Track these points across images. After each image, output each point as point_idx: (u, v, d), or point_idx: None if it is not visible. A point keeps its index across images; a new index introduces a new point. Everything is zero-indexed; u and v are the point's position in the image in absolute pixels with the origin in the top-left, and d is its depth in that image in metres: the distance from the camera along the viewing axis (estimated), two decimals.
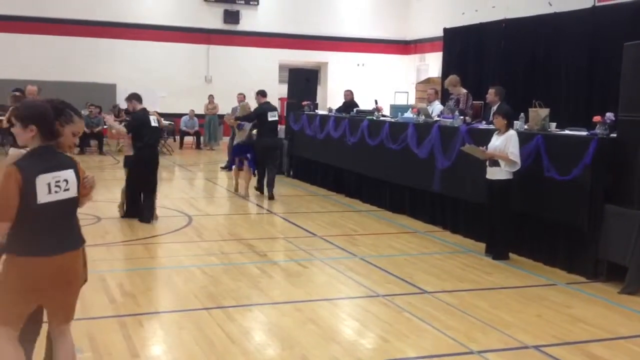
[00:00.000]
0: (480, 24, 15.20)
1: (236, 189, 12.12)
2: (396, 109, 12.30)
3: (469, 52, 14.86)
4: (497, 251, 7.67)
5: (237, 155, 12.00)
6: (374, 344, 5.06)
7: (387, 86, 23.63)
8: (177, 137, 20.25)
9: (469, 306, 5.95)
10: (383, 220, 9.94)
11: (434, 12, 22.25)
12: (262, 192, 11.73)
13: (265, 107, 11.49)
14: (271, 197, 11.34)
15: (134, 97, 9.33)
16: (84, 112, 17.87)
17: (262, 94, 11.70)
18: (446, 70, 15.27)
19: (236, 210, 10.87)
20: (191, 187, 13.42)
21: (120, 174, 15.00)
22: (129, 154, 9.25)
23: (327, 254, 7.84)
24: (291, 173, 14.42)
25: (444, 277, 6.95)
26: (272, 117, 11.45)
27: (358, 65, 24.34)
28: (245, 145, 11.70)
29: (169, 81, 21.58)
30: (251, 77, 21.47)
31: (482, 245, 8.07)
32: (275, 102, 22.01)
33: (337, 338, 5.16)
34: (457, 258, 7.77)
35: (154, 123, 9.20)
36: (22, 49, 20.27)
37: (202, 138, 20.55)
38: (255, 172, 11.88)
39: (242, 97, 14.78)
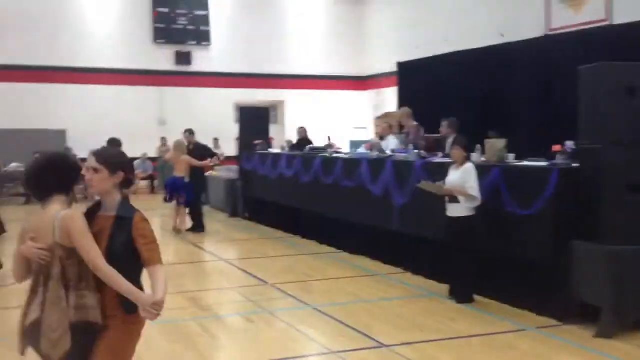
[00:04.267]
0: (434, 56, 15.02)
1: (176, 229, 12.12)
2: (355, 144, 11.86)
3: (424, 85, 14.64)
4: (460, 294, 7.13)
5: (173, 191, 12.06)
6: None
7: (346, 122, 23.27)
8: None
9: None
10: (341, 263, 9.34)
11: (389, 47, 22.04)
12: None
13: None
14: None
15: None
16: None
17: (192, 132, 12.91)
18: (402, 105, 14.99)
19: (185, 258, 10.14)
20: None
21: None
22: None
23: (278, 304, 7.22)
24: (246, 215, 13.79)
25: (404, 326, 6.36)
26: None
27: (315, 102, 23.99)
28: (179, 180, 11.95)
29: (120, 125, 20.79)
30: (207, 117, 20.93)
31: (445, 288, 7.52)
32: (231, 143, 21.51)
33: None
34: (419, 303, 7.21)
35: None
36: None
37: (155, 182, 19.84)
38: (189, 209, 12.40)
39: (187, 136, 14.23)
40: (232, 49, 22.84)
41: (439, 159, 8.51)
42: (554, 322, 6.38)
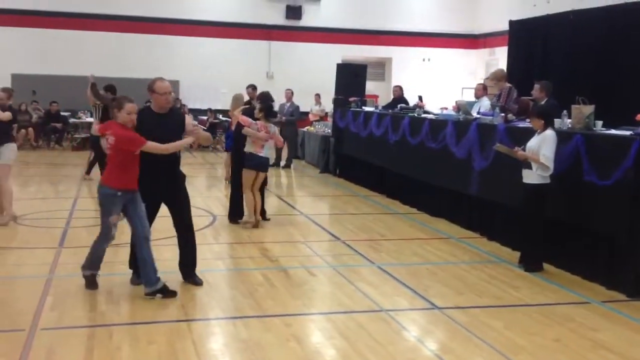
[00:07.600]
0: (547, 15, 14.21)
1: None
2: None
3: (536, 45, 13.93)
4: (528, 262, 6.93)
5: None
6: None
7: (454, 82, 22.72)
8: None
9: (480, 326, 5.30)
10: (417, 225, 9.28)
11: (504, 4, 21.17)
12: None
13: None
14: None
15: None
16: None
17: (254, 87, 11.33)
18: (512, 65, 14.38)
19: (268, 210, 10.35)
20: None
21: None
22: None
23: (343, 260, 7.32)
24: (337, 172, 13.92)
25: (462, 290, 6.28)
26: None
27: (424, 60, 23.54)
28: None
29: (229, 77, 21.44)
30: (313, 73, 21.12)
31: (517, 255, 7.32)
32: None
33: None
34: (486, 269, 7.07)
35: None
36: (87, 45, 20.62)
37: None
38: None
39: (289, 94, 14.46)
40: (342, 4, 22.82)
41: (524, 123, 8.19)
42: (622, 297, 6.10)
